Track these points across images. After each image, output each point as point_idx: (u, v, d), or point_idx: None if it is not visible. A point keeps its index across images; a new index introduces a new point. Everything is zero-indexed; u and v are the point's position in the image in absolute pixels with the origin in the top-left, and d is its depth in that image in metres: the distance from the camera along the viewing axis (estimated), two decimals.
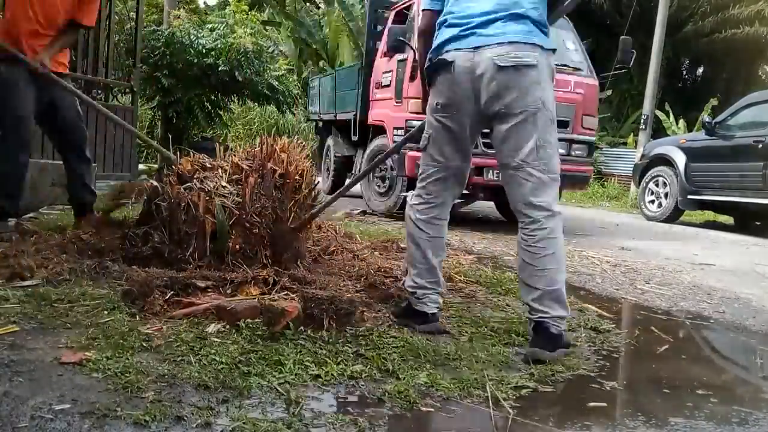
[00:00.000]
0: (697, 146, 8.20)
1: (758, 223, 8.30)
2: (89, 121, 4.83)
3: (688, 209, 8.44)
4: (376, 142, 6.53)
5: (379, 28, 6.99)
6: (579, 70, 6.04)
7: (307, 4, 20.06)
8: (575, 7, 2.51)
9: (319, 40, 16.96)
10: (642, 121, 12.83)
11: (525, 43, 2.00)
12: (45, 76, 3.21)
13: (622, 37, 6.12)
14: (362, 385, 1.73)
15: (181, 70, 8.97)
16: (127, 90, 7.46)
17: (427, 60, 2.18)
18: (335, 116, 8.35)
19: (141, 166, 8.93)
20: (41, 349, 1.76)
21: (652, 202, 8.79)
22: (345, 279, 2.72)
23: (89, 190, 3.53)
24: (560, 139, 5.46)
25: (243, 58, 9.17)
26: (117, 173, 6.43)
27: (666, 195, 8.49)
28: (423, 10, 2.28)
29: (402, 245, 3.76)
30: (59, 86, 3.27)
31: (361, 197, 6.86)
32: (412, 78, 5.64)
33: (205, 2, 22.44)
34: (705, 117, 9.67)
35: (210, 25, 10.28)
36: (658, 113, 14.41)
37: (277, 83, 10.01)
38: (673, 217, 8.50)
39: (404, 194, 5.88)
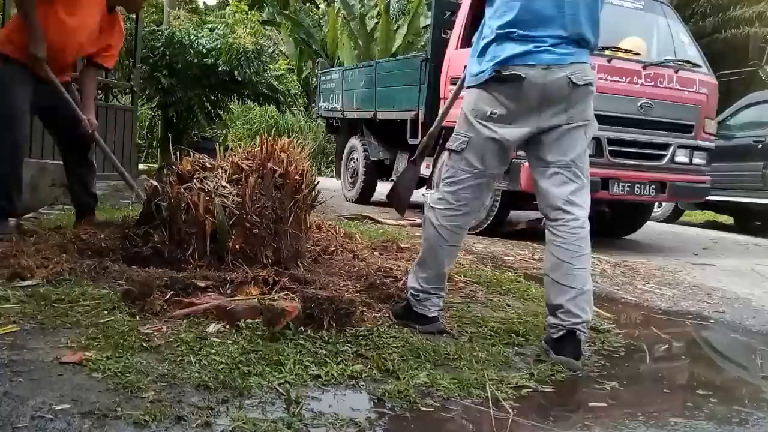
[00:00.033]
0: None
1: (758, 223, 8.29)
2: None
3: (688, 209, 8.43)
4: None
5: (449, 15, 6.07)
6: (698, 66, 5.18)
7: (307, 4, 20.07)
8: None
9: (319, 40, 16.97)
10: None
11: (587, 63, 2.15)
12: (91, 136, 3.36)
13: (750, 31, 5.51)
14: (362, 385, 1.73)
15: (181, 70, 8.98)
16: (127, 90, 7.47)
17: (490, 71, 2.13)
18: (374, 115, 7.25)
19: (141, 166, 8.94)
20: (41, 349, 1.75)
21: None
22: (345, 279, 2.71)
23: (90, 193, 3.52)
24: (682, 146, 4.96)
25: (243, 58, 9.17)
26: (117, 173, 6.40)
27: None
28: None
29: (402, 245, 3.75)
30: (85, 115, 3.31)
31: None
32: None
33: (204, 2, 22.48)
34: None
35: (210, 25, 10.29)
36: None
37: (277, 83, 10.02)
38: (673, 217, 8.49)
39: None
